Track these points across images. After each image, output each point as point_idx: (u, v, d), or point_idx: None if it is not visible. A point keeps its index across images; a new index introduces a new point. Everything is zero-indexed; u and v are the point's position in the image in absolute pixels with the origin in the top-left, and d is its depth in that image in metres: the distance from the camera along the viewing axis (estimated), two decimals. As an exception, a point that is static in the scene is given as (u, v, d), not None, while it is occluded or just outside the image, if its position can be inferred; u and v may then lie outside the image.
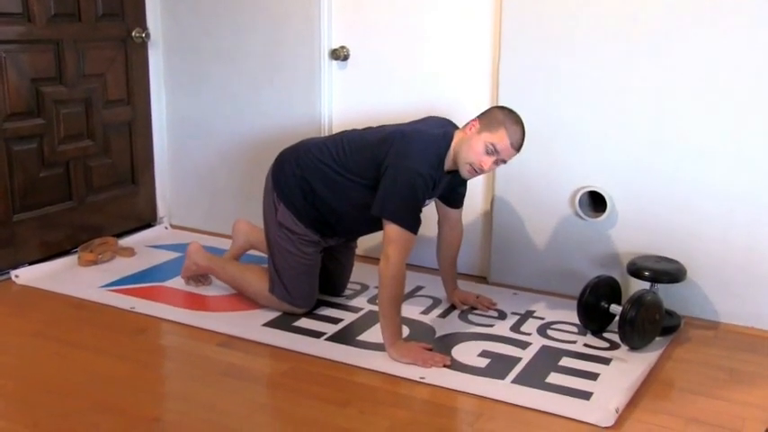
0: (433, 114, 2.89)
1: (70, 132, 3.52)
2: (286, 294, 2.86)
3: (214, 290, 3.13)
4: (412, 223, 2.55)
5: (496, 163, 2.59)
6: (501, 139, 2.53)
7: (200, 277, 3.19)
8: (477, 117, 2.61)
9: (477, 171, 2.59)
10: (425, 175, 2.55)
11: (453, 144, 2.61)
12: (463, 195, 2.91)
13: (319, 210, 2.79)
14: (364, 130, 2.85)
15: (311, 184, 2.76)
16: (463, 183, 2.82)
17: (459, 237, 2.96)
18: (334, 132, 3.58)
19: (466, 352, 2.62)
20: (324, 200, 2.76)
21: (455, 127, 2.70)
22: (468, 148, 2.57)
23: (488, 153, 2.55)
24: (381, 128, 2.81)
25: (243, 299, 3.03)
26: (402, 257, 2.53)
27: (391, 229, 2.53)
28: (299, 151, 2.83)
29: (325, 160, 2.74)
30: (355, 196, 2.70)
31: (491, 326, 2.86)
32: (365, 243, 3.48)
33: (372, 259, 3.28)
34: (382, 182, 2.58)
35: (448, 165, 2.63)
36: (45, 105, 3.39)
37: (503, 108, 2.65)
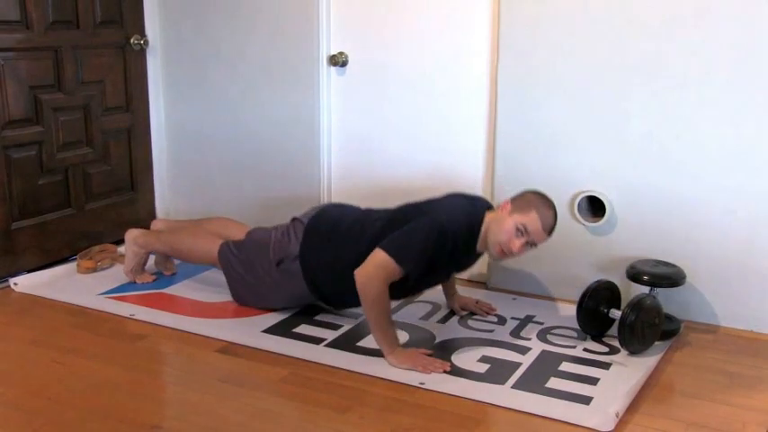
0: (456, 191, 2.88)
1: (69, 139, 3.53)
2: (248, 304, 2.95)
3: (213, 296, 3.13)
4: (404, 258, 2.50)
5: (527, 246, 2.58)
6: (532, 220, 2.54)
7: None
8: (510, 199, 2.63)
9: (506, 253, 2.58)
10: (448, 231, 2.53)
11: (485, 226, 2.61)
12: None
13: (338, 291, 2.78)
14: (396, 209, 2.79)
15: (337, 268, 2.71)
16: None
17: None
18: (332, 137, 3.60)
19: (466, 357, 2.62)
20: (348, 284, 2.62)
21: (486, 206, 2.71)
22: (499, 229, 2.56)
23: (519, 234, 2.54)
24: (411, 204, 2.78)
25: (242, 305, 3.02)
26: (382, 283, 2.50)
27: (381, 255, 2.52)
28: (333, 233, 2.78)
29: (354, 247, 2.68)
30: None
31: (491, 331, 2.85)
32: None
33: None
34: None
35: (480, 245, 2.63)
36: (44, 112, 3.39)
37: (536, 192, 2.67)
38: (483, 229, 2.62)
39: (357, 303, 2.59)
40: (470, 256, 2.74)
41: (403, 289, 2.63)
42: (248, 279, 2.92)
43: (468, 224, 2.60)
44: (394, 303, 2.72)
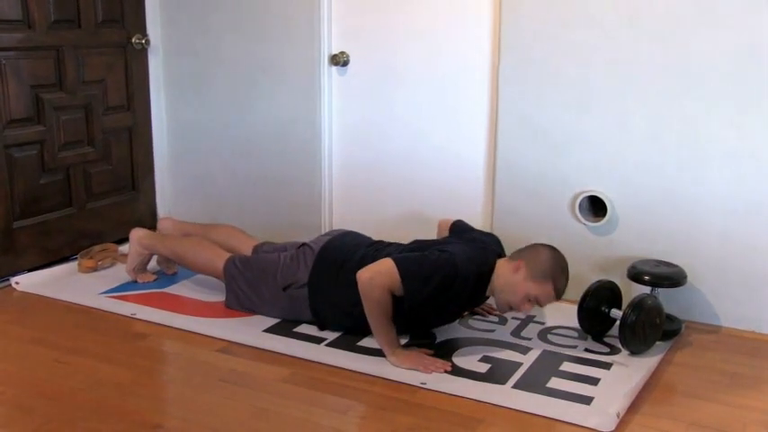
0: (477, 232, 2.86)
1: (70, 139, 3.53)
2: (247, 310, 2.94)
3: (214, 296, 3.13)
4: (408, 273, 2.48)
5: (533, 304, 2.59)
6: (546, 292, 2.53)
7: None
8: (525, 260, 2.55)
9: (513, 310, 2.61)
10: (460, 270, 2.50)
11: (496, 276, 2.58)
12: None
13: (343, 321, 2.77)
14: (407, 245, 2.77)
15: (344, 300, 2.69)
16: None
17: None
18: (334, 136, 3.60)
19: (467, 357, 2.62)
20: (354, 316, 2.64)
21: (497, 253, 2.69)
22: (512, 292, 2.55)
23: (530, 302, 2.55)
24: (423, 242, 2.76)
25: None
26: (385, 289, 2.49)
27: (384, 260, 2.52)
28: (343, 263, 2.75)
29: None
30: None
31: (492, 331, 2.85)
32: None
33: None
34: None
35: (488, 291, 2.62)
36: (45, 112, 3.39)
37: (551, 254, 2.58)
38: (492, 277, 2.58)
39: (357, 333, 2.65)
40: (475, 299, 2.71)
41: (397, 315, 2.55)
42: (253, 298, 2.92)
43: (479, 273, 2.57)
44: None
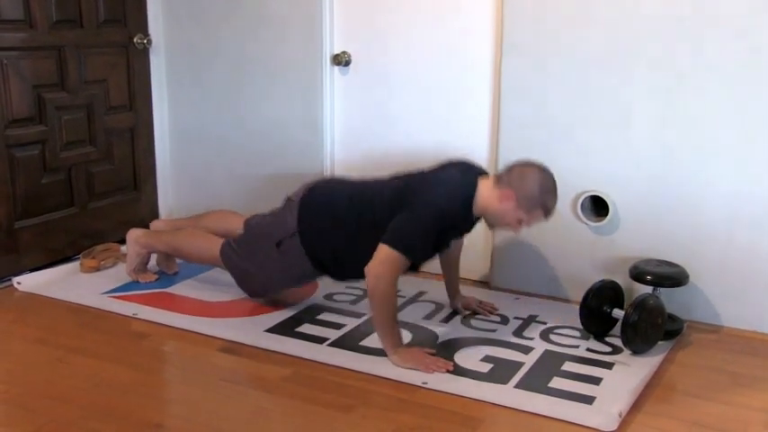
0: (452, 158, 2.86)
1: (72, 138, 3.53)
2: (255, 292, 2.97)
3: (216, 296, 3.13)
4: (409, 248, 2.52)
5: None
6: (537, 217, 2.59)
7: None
8: (512, 187, 2.55)
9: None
10: (446, 212, 2.54)
11: (482, 198, 2.60)
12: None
13: (340, 262, 2.80)
14: (393, 178, 2.82)
15: (337, 237, 2.76)
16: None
17: (461, 241, 2.96)
18: (335, 137, 3.60)
19: (468, 357, 2.62)
20: (350, 254, 2.73)
21: (480, 173, 2.70)
22: (501, 220, 2.62)
23: (520, 225, 2.61)
24: (406, 176, 2.79)
25: (244, 305, 3.03)
26: (393, 279, 2.52)
27: (387, 250, 2.52)
28: (330, 198, 2.82)
29: (356, 218, 2.73)
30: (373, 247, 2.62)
31: (493, 331, 2.85)
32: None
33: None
34: (400, 215, 2.58)
35: (476, 211, 2.63)
36: (47, 112, 3.40)
37: (539, 178, 2.57)
38: (479, 202, 2.61)
39: (358, 276, 2.65)
40: (468, 224, 2.73)
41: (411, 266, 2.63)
42: (251, 270, 2.93)
43: (464, 199, 2.60)
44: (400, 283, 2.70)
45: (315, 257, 2.82)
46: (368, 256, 2.54)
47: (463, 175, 2.68)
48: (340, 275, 2.91)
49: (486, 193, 2.60)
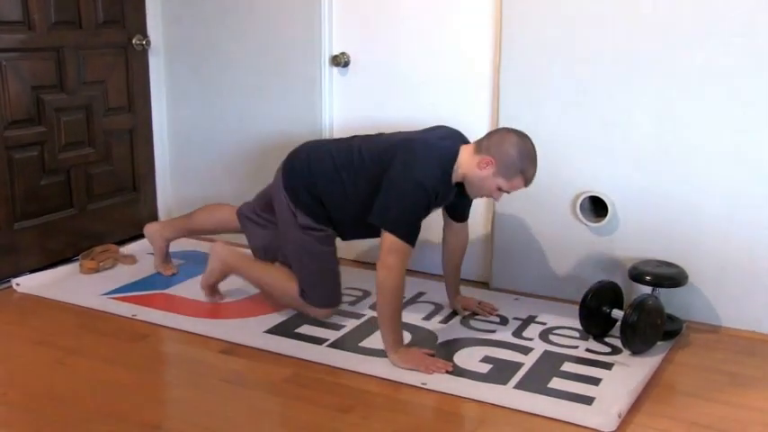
0: (439, 124, 2.86)
1: (71, 140, 3.53)
2: (322, 298, 2.86)
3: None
4: (410, 235, 2.54)
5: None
6: (516, 185, 2.58)
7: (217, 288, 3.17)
8: (491, 154, 2.54)
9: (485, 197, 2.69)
10: (428, 188, 2.55)
11: (462, 165, 2.60)
12: (468, 207, 2.90)
13: (331, 218, 2.80)
14: (376, 136, 2.84)
15: (326, 195, 2.76)
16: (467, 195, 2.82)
17: (464, 243, 2.96)
18: (335, 135, 3.59)
19: (468, 357, 2.62)
20: (337, 208, 2.76)
21: (462, 140, 2.70)
22: (481, 187, 2.60)
23: (500, 192, 2.61)
24: (390, 136, 2.80)
25: (244, 305, 3.03)
26: (402, 268, 2.53)
27: (391, 239, 2.52)
28: (311, 159, 2.81)
29: (339, 171, 2.73)
30: (367, 205, 2.65)
31: (493, 331, 2.85)
32: (359, 247, 3.49)
33: (369, 264, 3.28)
34: (383, 188, 2.58)
35: (455, 178, 2.63)
36: (46, 113, 3.39)
37: (518, 144, 2.55)
38: (460, 167, 2.60)
39: (359, 236, 2.82)
40: (450, 190, 2.69)
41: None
42: (309, 266, 2.85)
43: (444, 170, 2.59)
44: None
45: (323, 218, 2.79)
46: (364, 209, 2.61)
47: (444, 147, 2.64)
48: (349, 235, 2.90)
49: (466, 159, 2.60)
